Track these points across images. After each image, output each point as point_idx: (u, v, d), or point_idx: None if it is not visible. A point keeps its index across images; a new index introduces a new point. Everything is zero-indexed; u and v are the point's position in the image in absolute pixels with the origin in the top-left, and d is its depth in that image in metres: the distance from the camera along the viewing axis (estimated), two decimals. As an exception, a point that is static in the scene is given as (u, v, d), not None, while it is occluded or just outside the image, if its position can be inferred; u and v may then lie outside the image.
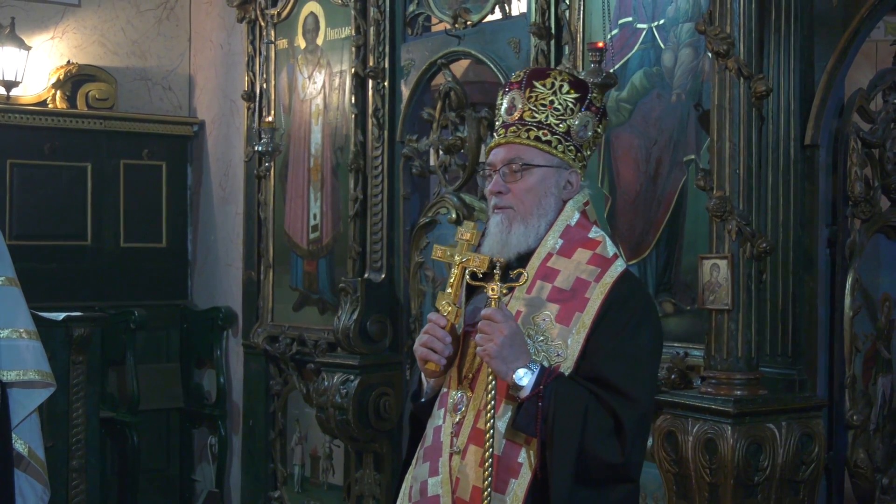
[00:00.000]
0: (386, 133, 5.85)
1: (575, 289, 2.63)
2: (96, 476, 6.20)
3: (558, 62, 4.74)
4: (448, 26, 5.50)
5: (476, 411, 2.62)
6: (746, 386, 3.81)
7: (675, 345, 4.25)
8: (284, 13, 6.70)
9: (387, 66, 5.83)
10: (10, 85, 7.29)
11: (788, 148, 3.99)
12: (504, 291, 2.58)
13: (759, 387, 3.84)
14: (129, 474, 7.03)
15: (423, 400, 2.79)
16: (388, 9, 5.83)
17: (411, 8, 5.82)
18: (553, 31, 4.79)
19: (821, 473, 3.91)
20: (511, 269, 2.62)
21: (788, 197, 3.99)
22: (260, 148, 6.29)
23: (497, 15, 5.31)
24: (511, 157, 2.70)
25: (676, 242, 4.34)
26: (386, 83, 5.84)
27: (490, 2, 5.27)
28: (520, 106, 2.73)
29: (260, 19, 6.89)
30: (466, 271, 2.64)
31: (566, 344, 2.59)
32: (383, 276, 5.85)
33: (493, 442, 2.55)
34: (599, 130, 2.79)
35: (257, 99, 6.93)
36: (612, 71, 4.20)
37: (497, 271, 2.56)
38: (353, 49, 5.99)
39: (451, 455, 2.64)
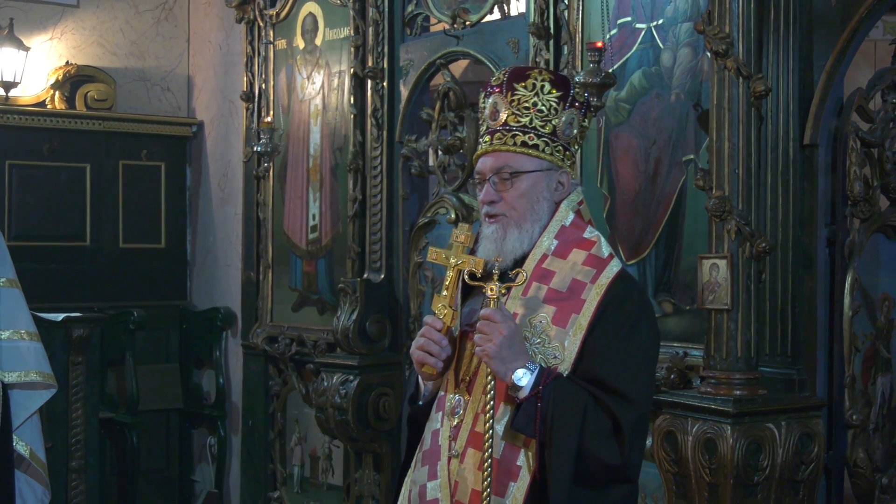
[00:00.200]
0: (385, 133, 5.85)
1: (571, 290, 2.62)
2: (95, 477, 6.20)
3: (557, 62, 4.74)
4: (447, 26, 5.50)
5: (474, 414, 2.62)
6: (746, 386, 3.81)
7: (675, 345, 4.25)
8: (283, 13, 6.70)
9: (385, 66, 5.83)
10: (8, 86, 7.28)
11: (787, 147, 3.99)
12: (503, 291, 2.57)
13: (758, 386, 3.84)
14: (128, 475, 7.04)
15: (420, 403, 2.78)
16: (386, 9, 5.83)
17: (410, 8, 5.82)
18: (552, 31, 4.79)
19: (820, 473, 3.91)
20: (508, 270, 2.61)
21: (788, 196, 3.99)
22: (259, 148, 6.29)
23: (496, 15, 5.31)
24: (499, 166, 2.68)
25: (676, 242, 4.34)
26: (385, 83, 5.84)
27: (489, 2, 5.27)
28: (503, 111, 2.70)
29: (259, 20, 6.89)
30: (465, 272, 2.63)
31: (563, 346, 2.58)
32: (382, 276, 5.85)
33: (491, 445, 2.54)
34: (585, 124, 2.78)
35: (256, 99, 6.92)
36: (610, 71, 4.20)
37: (496, 271, 2.56)
38: (352, 49, 5.98)
39: (449, 459, 2.63)
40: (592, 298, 2.60)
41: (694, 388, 4.07)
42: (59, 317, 5.89)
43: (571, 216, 2.72)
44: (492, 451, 2.55)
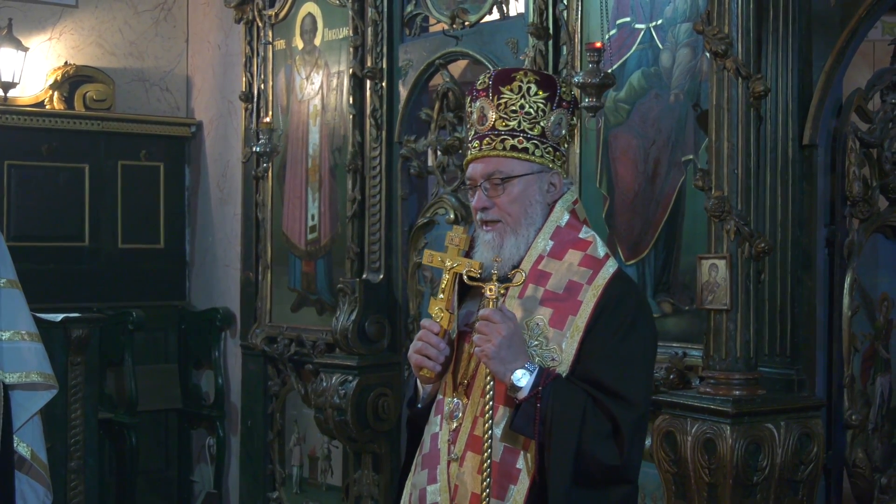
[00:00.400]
0: (384, 133, 5.85)
1: (568, 291, 2.61)
2: (94, 477, 6.20)
3: (556, 62, 4.74)
4: (446, 27, 5.50)
5: (473, 418, 2.61)
6: (745, 386, 3.81)
7: (674, 345, 4.25)
8: (282, 14, 6.70)
9: (385, 66, 5.83)
10: (7, 86, 7.28)
11: (787, 148, 3.99)
12: (502, 291, 2.57)
13: (757, 387, 3.84)
14: (127, 475, 7.03)
15: (419, 406, 2.78)
16: (385, 9, 5.83)
17: (409, 8, 5.82)
18: (551, 31, 4.79)
19: (819, 473, 3.91)
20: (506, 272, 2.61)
21: (787, 197, 3.99)
22: (258, 149, 6.29)
23: (495, 15, 5.31)
24: (490, 172, 2.67)
25: (675, 242, 4.34)
26: (384, 84, 5.84)
27: (488, 2, 5.27)
28: (490, 115, 2.69)
29: (257, 20, 6.89)
30: (463, 274, 2.63)
31: (560, 348, 2.58)
32: (381, 276, 5.85)
33: (490, 448, 2.54)
34: (573, 122, 2.77)
35: (255, 100, 6.92)
36: (610, 71, 4.19)
37: (495, 272, 2.56)
38: (351, 49, 5.98)
39: (448, 462, 2.63)
40: (589, 300, 2.59)
41: (693, 388, 4.07)
42: (58, 317, 5.89)
43: (566, 216, 2.71)
44: (491, 455, 2.54)
